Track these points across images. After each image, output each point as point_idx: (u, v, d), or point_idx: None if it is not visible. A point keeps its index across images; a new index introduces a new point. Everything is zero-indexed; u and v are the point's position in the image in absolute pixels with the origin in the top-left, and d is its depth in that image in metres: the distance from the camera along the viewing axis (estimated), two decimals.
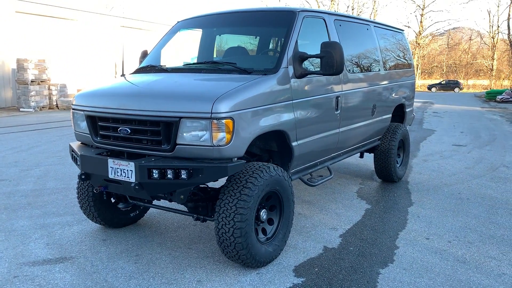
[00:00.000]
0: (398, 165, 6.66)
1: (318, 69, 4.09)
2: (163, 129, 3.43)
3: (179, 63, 4.72)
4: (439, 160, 8.25)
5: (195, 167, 3.33)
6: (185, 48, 5.60)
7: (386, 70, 6.01)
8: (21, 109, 17.79)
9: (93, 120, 3.86)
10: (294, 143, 4.08)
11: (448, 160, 8.21)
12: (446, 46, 68.34)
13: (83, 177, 3.82)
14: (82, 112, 3.94)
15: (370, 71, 5.56)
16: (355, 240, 4.37)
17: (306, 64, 4.23)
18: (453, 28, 67.80)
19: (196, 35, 5.33)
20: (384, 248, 4.18)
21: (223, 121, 3.31)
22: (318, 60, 4.13)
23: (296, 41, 4.11)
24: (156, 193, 3.57)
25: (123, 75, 4.62)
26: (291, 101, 3.98)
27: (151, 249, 4.14)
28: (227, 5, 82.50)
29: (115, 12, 37.22)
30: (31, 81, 17.61)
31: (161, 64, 4.70)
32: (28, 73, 17.64)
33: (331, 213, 5.15)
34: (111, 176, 3.57)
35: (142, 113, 3.50)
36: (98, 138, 3.86)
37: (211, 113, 3.29)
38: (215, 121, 3.29)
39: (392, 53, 6.44)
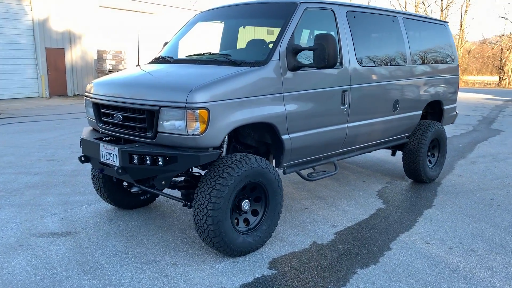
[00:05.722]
0: (431, 166, 6.30)
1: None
2: (147, 117, 3.62)
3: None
4: (489, 162, 7.63)
5: (170, 154, 3.47)
6: (203, 39, 5.75)
7: (415, 64, 5.69)
8: None
9: (97, 107, 4.15)
10: (285, 136, 4.06)
11: (500, 163, 7.57)
12: None
13: (82, 159, 4.14)
14: (90, 100, 4.25)
15: (391, 65, 5.30)
16: (348, 238, 4.26)
17: (304, 56, 4.19)
18: None
19: (214, 26, 5.47)
20: (375, 249, 4.03)
21: (198, 111, 3.41)
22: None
23: (293, 34, 4.07)
24: (138, 177, 3.77)
25: (138, 65, 4.90)
26: (281, 94, 3.97)
27: (147, 231, 4.37)
28: None
29: (198, 6, 38.52)
30: (109, 71, 18.95)
31: (178, 55, 4.89)
32: (106, 63, 19.03)
33: (339, 210, 5.04)
34: (102, 159, 3.84)
35: (131, 101, 3.72)
36: (101, 124, 4.15)
37: (186, 103, 3.40)
38: (189, 110, 3.40)
39: (427, 47, 6.07)
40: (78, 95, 21.16)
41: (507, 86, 43.38)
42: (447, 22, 6.70)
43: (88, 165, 6.87)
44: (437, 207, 5.20)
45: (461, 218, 4.84)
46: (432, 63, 6.09)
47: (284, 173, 4.34)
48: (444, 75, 6.33)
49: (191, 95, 3.41)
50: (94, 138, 4.05)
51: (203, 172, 4.40)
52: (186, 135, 3.46)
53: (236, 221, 3.84)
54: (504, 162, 7.67)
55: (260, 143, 4.37)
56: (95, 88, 4.22)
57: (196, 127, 3.44)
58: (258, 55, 4.08)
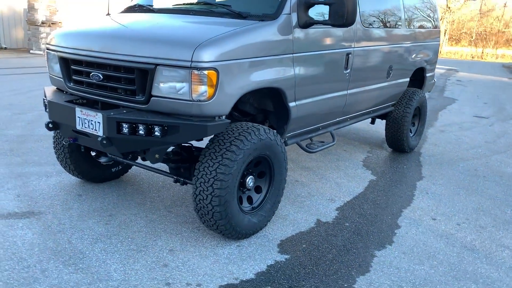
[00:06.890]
0: (411, 135, 6.13)
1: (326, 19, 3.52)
2: (138, 77, 2.97)
3: (170, 3, 4.18)
4: (457, 131, 7.66)
5: (170, 123, 2.89)
6: None
7: (409, 28, 5.37)
8: (31, 51, 17.40)
9: (66, 63, 3.41)
10: (291, 104, 3.59)
11: (467, 132, 7.62)
12: (478, 12, 64.90)
13: (50, 125, 3.41)
14: (55, 53, 3.49)
15: (389, 27, 4.93)
16: (352, 214, 3.95)
17: (314, 13, 3.67)
18: None
19: None
20: (384, 226, 3.75)
21: (205, 72, 2.83)
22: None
23: None
24: (127, 150, 3.15)
25: (108, 14, 4.14)
26: (291, 55, 3.46)
27: (127, 209, 3.78)
28: None
29: None
30: (42, 23, 17.10)
31: (152, 4, 4.17)
32: (38, 14, 17.11)
33: (331, 183, 4.71)
34: (78, 127, 3.16)
35: (116, 57, 3.04)
36: (71, 84, 3.42)
37: (191, 61, 2.80)
38: (195, 71, 2.81)
39: (418, 11, 5.75)
40: (5, 48, 19.00)
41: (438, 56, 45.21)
42: None
43: (38, 130, 6.01)
44: (427, 179, 5.03)
45: (455, 191, 4.70)
46: (422, 29, 5.81)
47: (285, 144, 3.89)
48: (430, 41, 6.09)
49: (197, 52, 2.81)
50: (66, 101, 3.33)
51: (194, 143, 3.85)
52: (190, 100, 2.88)
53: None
54: (471, 131, 7.73)
55: (259, 110, 3.87)
56: (63, 39, 3.46)
57: (203, 91, 2.87)
58: (265, 7, 3.50)
